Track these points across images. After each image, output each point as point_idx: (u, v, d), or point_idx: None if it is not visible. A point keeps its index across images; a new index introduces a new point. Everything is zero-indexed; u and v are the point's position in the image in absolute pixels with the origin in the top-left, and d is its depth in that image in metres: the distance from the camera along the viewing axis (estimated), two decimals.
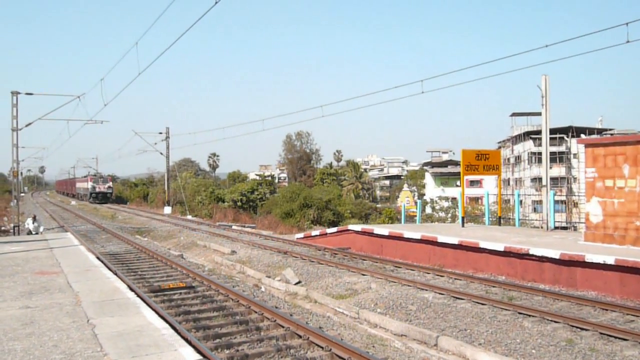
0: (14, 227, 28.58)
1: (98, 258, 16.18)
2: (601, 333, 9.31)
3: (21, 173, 46.04)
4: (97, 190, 69.06)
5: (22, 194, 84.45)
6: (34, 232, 26.09)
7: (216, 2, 11.78)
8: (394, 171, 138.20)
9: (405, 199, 71.90)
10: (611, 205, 14.37)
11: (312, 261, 17.75)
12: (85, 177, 76.49)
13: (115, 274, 13.47)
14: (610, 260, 12.14)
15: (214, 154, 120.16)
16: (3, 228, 31.47)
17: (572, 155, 59.49)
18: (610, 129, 59.68)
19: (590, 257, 12.55)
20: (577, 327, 9.68)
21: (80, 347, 6.43)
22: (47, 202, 78.75)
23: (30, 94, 32.77)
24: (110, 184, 72.24)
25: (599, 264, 12.37)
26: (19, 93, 32.34)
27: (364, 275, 15.18)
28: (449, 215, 35.32)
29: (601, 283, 12.42)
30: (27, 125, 33.97)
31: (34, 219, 27.00)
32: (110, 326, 7.36)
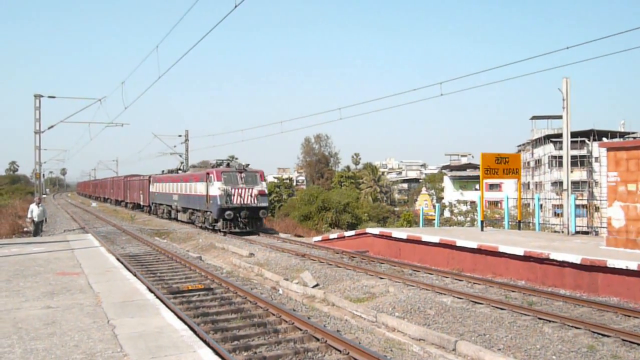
0: None
1: (118, 259, 16.34)
2: (623, 340, 9.16)
3: (43, 175, 46.71)
4: (237, 202, 28.70)
5: (44, 196, 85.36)
6: (37, 220, 23.93)
7: (235, 6, 11.87)
8: (412, 174, 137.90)
9: (423, 203, 71.63)
10: (634, 209, 14.15)
11: (330, 264, 17.74)
12: (195, 169, 38.06)
13: (135, 275, 13.61)
14: (633, 265, 11.95)
15: (232, 157, 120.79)
16: (25, 229, 31.93)
17: (593, 159, 58.75)
18: (632, 133, 58.78)
19: (612, 263, 12.36)
20: (598, 334, 9.54)
21: (101, 348, 6.50)
22: (68, 204, 79.87)
23: (53, 97, 33.39)
24: (264, 185, 30.55)
25: (622, 269, 12.18)
26: (42, 96, 32.97)
27: (381, 278, 15.13)
28: (468, 219, 35.07)
29: (624, 289, 12.23)
30: (49, 128, 34.64)
31: (39, 202, 24.60)
32: (130, 327, 7.43)
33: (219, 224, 28.54)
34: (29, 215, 24.74)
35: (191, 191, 32.88)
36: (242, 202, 28.50)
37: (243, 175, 29.44)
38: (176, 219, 37.61)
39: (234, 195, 28.38)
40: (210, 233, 29.34)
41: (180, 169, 40.82)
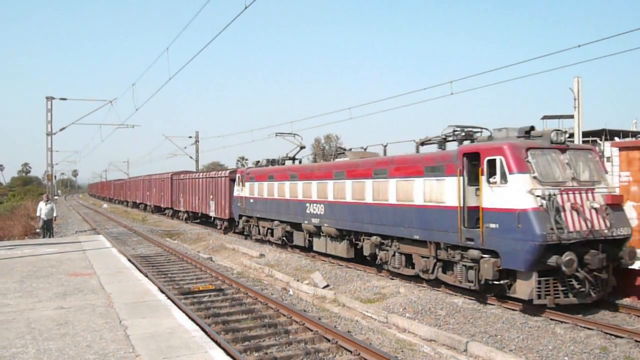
0: None
1: (129, 260, 16.44)
2: (637, 341, 9.08)
3: (55, 176, 47.01)
4: (579, 227, 10.68)
5: (56, 197, 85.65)
6: (45, 218, 23.86)
7: (246, 7, 11.90)
8: None
9: None
10: None
11: (340, 265, 17.72)
12: (377, 157, 16.53)
13: (146, 276, 13.70)
14: None
15: (243, 157, 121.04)
16: (38, 230, 32.19)
17: (605, 159, 58.24)
18: None
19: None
20: (611, 335, 9.47)
21: (113, 348, 6.55)
22: (79, 205, 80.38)
23: (64, 99, 33.64)
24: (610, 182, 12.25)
25: (634, 270, 12.06)
26: (54, 98, 33.21)
27: (392, 279, 15.09)
28: None
29: (637, 290, 12.11)
30: (61, 130, 34.86)
31: (47, 200, 24.54)
32: (142, 327, 7.48)
33: (527, 284, 10.83)
34: (37, 214, 24.98)
35: (381, 197, 15.15)
36: (588, 226, 11.00)
37: (567, 156, 11.75)
38: (309, 249, 20.11)
39: (565, 209, 10.95)
40: (218, 234, 29.19)
41: (294, 157, 24.40)
